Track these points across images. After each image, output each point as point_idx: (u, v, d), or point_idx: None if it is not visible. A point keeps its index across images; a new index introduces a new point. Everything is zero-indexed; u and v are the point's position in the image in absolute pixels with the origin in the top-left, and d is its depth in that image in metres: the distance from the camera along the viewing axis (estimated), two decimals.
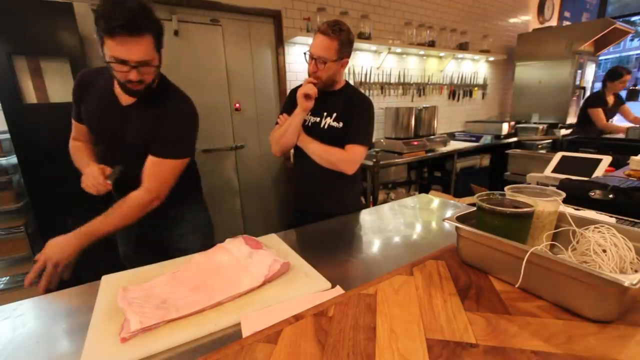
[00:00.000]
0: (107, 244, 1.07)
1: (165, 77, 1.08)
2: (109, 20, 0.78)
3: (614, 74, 3.07)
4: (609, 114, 3.19)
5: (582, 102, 3.53)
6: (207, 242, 1.13)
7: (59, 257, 0.85)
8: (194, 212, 1.24)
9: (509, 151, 2.52)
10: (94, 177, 0.97)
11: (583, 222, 0.71)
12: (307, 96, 1.20)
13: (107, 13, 0.79)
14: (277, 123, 1.36)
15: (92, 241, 0.91)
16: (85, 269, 1.13)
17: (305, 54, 1.24)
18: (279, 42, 2.53)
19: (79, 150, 1.12)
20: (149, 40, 0.86)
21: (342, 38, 1.18)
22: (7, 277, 1.72)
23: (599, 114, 3.18)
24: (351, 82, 2.95)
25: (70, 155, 1.12)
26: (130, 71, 0.85)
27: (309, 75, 1.24)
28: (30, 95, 1.66)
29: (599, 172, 1.49)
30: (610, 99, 3.18)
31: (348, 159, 1.24)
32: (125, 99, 1.00)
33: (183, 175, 1.06)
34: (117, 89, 1.00)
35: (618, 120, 3.34)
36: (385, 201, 2.91)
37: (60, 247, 0.86)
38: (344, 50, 1.21)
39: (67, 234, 0.89)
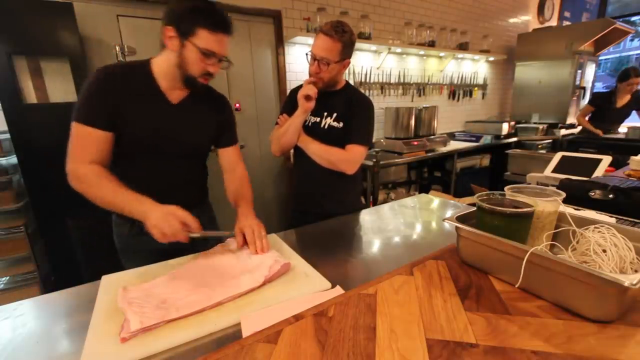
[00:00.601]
0: (107, 244, 1.07)
1: None
2: (213, 16, 0.87)
3: (621, 75, 3.04)
4: (611, 115, 3.16)
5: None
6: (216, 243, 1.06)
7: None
8: (211, 212, 1.21)
9: (509, 151, 2.52)
10: (175, 230, 0.79)
11: (583, 222, 0.71)
12: (307, 97, 1.20)
13: (211, 9, 0.88)
14: (277, 123, 1.36)
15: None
16: (85, 269, 1.13)
17: (307, 54, 1.24)
18: (279, 42, 2.53)
19: (101, 176, 0.85)
20: (228, 40, 0.94)
21: (345, 39, 1.17)
22: (7, 277, 1.72)
23: (584, 108, 3.23)
24: (351, 82, 2.95)
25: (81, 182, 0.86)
26: (215, 64, 0.92)
27: (310, 75, 1.24)
28: (30, 95, 1.66)
29: (599, 172, 1.49)
30: (623, 100, 3.11)
31: (348, 158, 1.24)
32: (176, 97, 0.97)
33: (204, 172, 1.14)
34: (165, 86, 0.94)
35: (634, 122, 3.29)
36: (385, 201, 2.91)
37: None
38: (347, 52, 1.21)
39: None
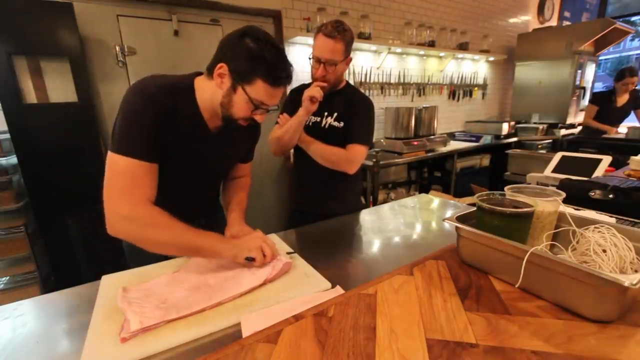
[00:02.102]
0: (107, 244, 1.07)
1: None
2: (278, 70, 0.80)
3: (617, 75, 3.08)
4: (613, 114, 3.18)
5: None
6: None
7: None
8: (218, 217, 1.18)
9: (509, 151, 2.52)
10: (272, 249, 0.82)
11: (583, 222, 0.71)
12: (312, 99, 1.19)
13: (277, 61, 0.79)
14: (277, 123, 1.36)
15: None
16: (85, 269, 1.13)
17: (309, 59, 1.23)
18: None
19: (170, 218, 0.75)
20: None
21: (347, 38, 1.18)
22: (7, 277, 1.73)
23: (588, 109, 3.22)
24: (351, 82, 2.93)
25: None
26: (262, 113, 0.87)
27: (315, 79, 1.24)
28: (30, 95, 1.66)
29: (599, 172, 1.49)
30: (623, 99, 3.14)
31: (349, 158, 1.24)
32: (215, 124, 0.91)
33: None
34: (207, 116, 0.88)
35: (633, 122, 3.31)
36: (385, 201, 2.90)
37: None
38: (349, 49, 1.21)
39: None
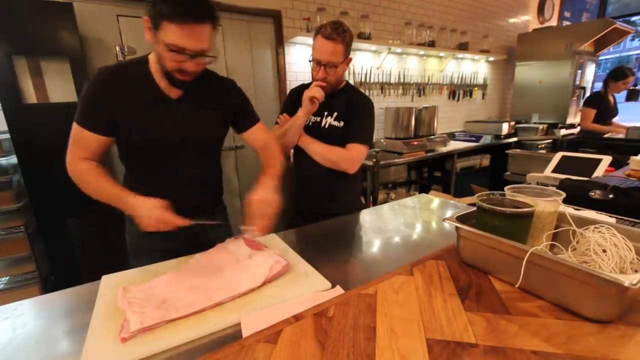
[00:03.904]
0: (107, 244, 1.07)
1: None
2: (176, 4, 0.74)
3: (618, 74, 3.06)
4: (610, 113, 3.19)
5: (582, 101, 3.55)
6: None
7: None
8: (222, 216, 1.16)
9: (509, 151, 2.52)
10: (162, 217, 0.82)
11: (583, 222, 0.71)
12: (313, 100, 1.19)
13: None
14: (276, 123, 1.36)
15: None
16: (85, 269, 1.13)
17: (309, 61, 1.23)
18: (279, 42, 2.53)
19: (96, 174, 0.88)
20: (209, 29, 0.80)
21: (347, 39, 1.17)
22: (7, 277, 1.72)
23: (587, 113, 3.20)
24: (351, 82, 2.94)
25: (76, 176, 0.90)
26: (187, 61, 0.80)
27: (313, 80, 1.24)
28: (30, 95, 1.66)
29: (599, 172, 1.49)
30: (612, 99, 3.18)
31: (350, 157, 1.24)
32: (175, 92, 0.91)
33: (218, 171, 1.11)
34: (164, 83, 0.90)
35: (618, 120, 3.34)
36: (385, 201, 2.90)
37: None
38: (348, 50, 1.21)
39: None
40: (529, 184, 1.51)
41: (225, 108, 1.02)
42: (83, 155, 0.89)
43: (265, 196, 0.91)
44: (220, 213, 1.14)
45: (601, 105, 3.16)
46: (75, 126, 0.87)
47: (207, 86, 0.98)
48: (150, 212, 0.82)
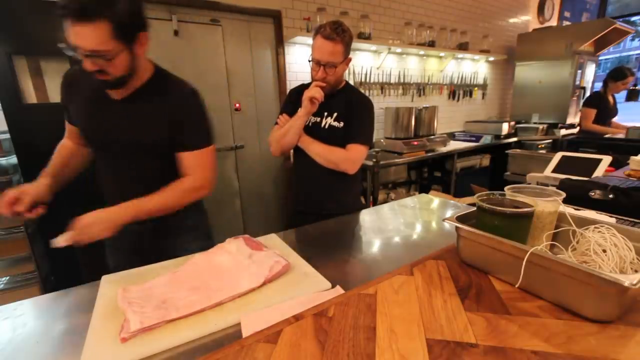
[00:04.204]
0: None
1: (161, 68, 0.98)
2: (62, 3, 0.71)
3: (618, 74, 3.06)
4: (610, 113, 3.19)
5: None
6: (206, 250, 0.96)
7: (98, 235, 0.82)
8: (195, 219, 1.11)
9: (509, 151, 2.52)
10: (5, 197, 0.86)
11: (583, 222, 0.71)
12: (312, 100, 1.19)
13: None
14: (276, 123, 1.36)
15: (135, 216, 0.88)
16: (85, 269, 1.13)
17: (309, 61, 1.23)
18: (279, 42, 2.53)
19: (58, 152, 1.05)
20: (103, 27, 0.74)
21: (346, 39, 1.17)
22: (7, 277, 1.72)
23: (587, 113, 3.20)
24: (351, 82, 2.95)
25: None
26: (84, 60, 0.77)
27: (313, 80, 1.24)
28: (30, 95, 1.66)
29: (599, 172, 1.49)
30: (611, 99, 3.18)
31: (350, 158, 1.24)
32: (119, 94, 0.91)
33: (170, 174, 0.99)
34: None
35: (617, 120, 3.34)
36: (385, 201, 2.90)
37: (103, 224, 0.83)
38: (348, 50, 1.21)
39: (108, 208, 0.85)
40: (529, 184, 1.51)
41: (169, 117, 0.93)
42: (67, 135, 1.07)
43: (103, 216, 0.84)
44: (179, 220, 1.05)
45: (601, 106, 3.16)
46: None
47: (156, 90, 0.93)
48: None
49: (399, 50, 3.19)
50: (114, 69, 0.81)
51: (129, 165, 0.98)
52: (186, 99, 0.95)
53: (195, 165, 0.96)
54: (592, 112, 3.19)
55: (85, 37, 0.73)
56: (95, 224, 0.82)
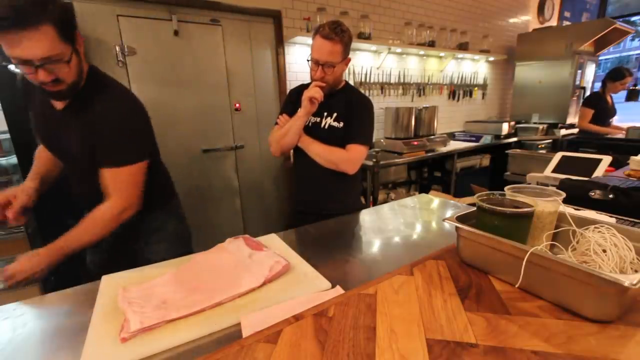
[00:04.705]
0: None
1: (97, 70, 0.91)
2: None
3: (616, 74, 3.07)
4: (608, 114, 3.19)
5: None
6: (178, 252, 0.93)
7: (29, 274, 0.84)
8: (161, 221, 1.11)
9: (509, 151, 2.52)
10: None
11: (583, 222, 0.71)
12: (312, 100, 1.19)
13: None
14: (276, 123, 1.36)
15: (63, 257, 0.86)
16: (86, 269, 1.13)
17: (308, 61, 1.23)
18: (279, 42, 2.53)
19: (37, 156, 1.04)
20: (49, 31, 0.70)
21: (346, 39, 1.17)
22: None
23: (584, 113, 3.21)
24: (351, 82, 2.95)
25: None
26: (37, 72, 0.72)
27: (312, 80, 1.24)
28: None
29: (599, 172, 1.49)
30: (610, 99, 3.19)
31: (349, 158, 1.24)
32: (60, 103, 0.87)
33: (145, 180, 0.96)
34: None
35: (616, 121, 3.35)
36: (385, 201, 2.90)
37: (32, 264, 0.84)
38: (347, 50, 1.21)
39: (39, 249, 0.85)
40: (529, 184, 1.51)
41: (91, 129, 0.87)
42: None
43: (27, 266, 0.85)
44: (151, 232, 1.06)
45: (599, 106, 3.16)
46: None
47: (86, 102, 0.87)
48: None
49: (399, 50, 3.19)
50: (68, 74, 0.78)
51: (82, 176, 0.95)
52: (107, 111, 0.86)
53: (111, 184, 0.89)
54: (589, 112, 3.19)
55: (34, 46, 0.69)
56: (20, 272, 0.83)
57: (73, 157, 0.92)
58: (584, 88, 4.03)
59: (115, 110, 0.87)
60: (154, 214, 1.08)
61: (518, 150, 2.71)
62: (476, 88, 4.16)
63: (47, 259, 0.85)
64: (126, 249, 1.07)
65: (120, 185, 0.89)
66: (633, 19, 7.26)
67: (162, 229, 1.11)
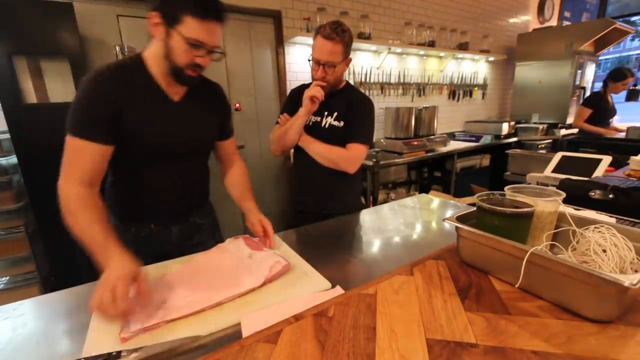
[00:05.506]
0: None
1: None
2: (206, 2, 0.79)
3: (618, 75, 3.07)
4: (608, 114, 3.19)
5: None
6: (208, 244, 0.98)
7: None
8: (212, 216, 1.18)
9: (509, 151, 2.52)
10: (116, 290, 0.60)
11: (583, 222, 0.71)
12: (313, 99, 1.19)
13: None
14: (277, 122, 1.36)
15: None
16: (85, 269, 1.13)
17: (309, 60, 1.23)
18: (279, 42, 2.53)
19: (91, 210, 0.75)
20: (222, 27, 0.87)
21: (346, 39, 1.18)
22: (7, 277, 1.72)
23: (580, 112, 3.20)
24: (351, 82, 2.94)
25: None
26: (204, 56, 0.84)
27: (313, 80, 1.24)
28: (30, 95, 1.66)
29: (599, 172, 1.49)
30: (610, 99, 3.19)
31: (350, 157, 1.24)
32: (176, 93, 0.92)
33: (207, 173, 1.10)
34: (165, 83, 0.89)
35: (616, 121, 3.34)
36: (385, 201, 2.90)
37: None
38: (348, 50, 1.21)
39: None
40: (529, 184, 1.51)
41: (218, 112, 1.04)
42: (80, 177, 0.77)
43: (262, 217, 1.00)
44: (206, 214, 1.14)
45: (599, 106, 3.16)
46: (71, 140, 0.77)
47: (203, 89, 1.00)
48: (111, 279, 0.61)
49: (399, 50, 3.19)
50: (207, 63, 0.88)
51: (178, 169, 0.98)
52: (222, 92, 1.08)
53: (234, 148, 1.15)
54: (586, 112, 3.19)
55: (217, 34, 0.84)
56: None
57: (183, 147, 0.95)
58: (584, 88, 4.03)
59: (222, 88, 1.10)
60: (209, 207, 1.18)
61: (518, 150, 2.71)
62: (476, 88, 4.16)
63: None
64: (179, 250, 1.02)
65: (236, 150, 1.16)
66: (633, 19, 7.27)
67: (216, 222, 1.24)
